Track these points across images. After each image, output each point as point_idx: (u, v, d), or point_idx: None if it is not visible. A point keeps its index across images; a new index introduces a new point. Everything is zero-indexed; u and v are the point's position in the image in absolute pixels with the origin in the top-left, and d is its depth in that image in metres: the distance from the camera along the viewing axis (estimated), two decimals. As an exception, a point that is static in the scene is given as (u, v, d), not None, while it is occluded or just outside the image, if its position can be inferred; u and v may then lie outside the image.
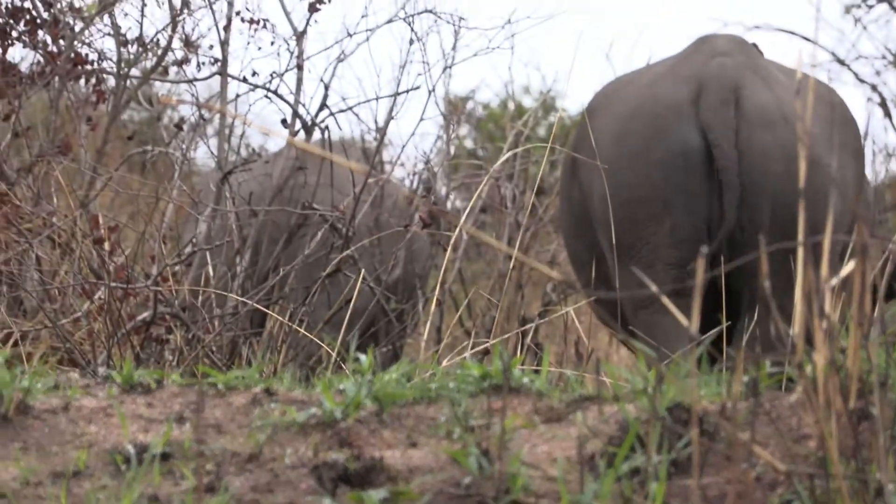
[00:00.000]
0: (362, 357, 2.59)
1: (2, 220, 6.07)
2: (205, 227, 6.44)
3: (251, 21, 7.15)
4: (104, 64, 7.03)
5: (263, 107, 6.93)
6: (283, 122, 6.85)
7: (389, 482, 2.22)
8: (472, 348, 5.95)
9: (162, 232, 6.45)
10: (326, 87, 6.87)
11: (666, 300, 2.43)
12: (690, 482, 2.13)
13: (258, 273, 6.42)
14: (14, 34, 6.87)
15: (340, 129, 7.01)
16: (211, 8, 6.89)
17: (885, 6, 14.94)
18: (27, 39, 6.87)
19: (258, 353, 5.84)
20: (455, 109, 9.07)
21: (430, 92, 7.19)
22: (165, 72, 7.24)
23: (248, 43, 7.10)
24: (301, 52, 6.90)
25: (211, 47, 7.11)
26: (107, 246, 5.98)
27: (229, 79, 6.92)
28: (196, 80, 7.20)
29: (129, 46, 7.05)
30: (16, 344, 5.62)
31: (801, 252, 2.24)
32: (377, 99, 7.17)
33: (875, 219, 6.69)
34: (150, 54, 7.19)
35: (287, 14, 7.00)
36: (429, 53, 7.39)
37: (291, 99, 6.83)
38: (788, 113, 5.81)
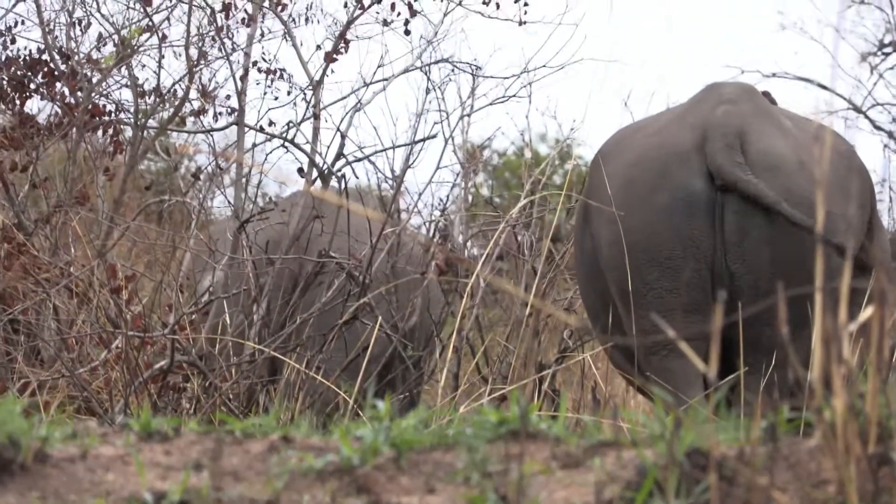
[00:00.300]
0: (380, 403, 2.58)
1: (20, 270, 6.09)
2: (221, 276, 6.45)
3: (268, 71, 7.19)
4: (121, 115, 7.08)
5: (280, 156, 6.95)
6: (300, 170, 6.87)
7: (407, 529, 2.21)
8: (489, 394, 5.94)
9: (179, 281, 6.46)
10: (343, 136, 6.90)
11: (684, 345, 2.43)
12: (709, 528, 2.12)
13: (275, 321, 6.42)
14: (32, 86, 6.92)
15: (357, 177, 7.05)
16: (228, 58, 6.94)
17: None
18: (45, 91, 6.92)
19: (275, 401, 5.83)
20: (472, 158, 9.09)
21: (446, 140, 7.22)
22: (182, 122, 7.28)
23: (265, 93, 7.15)
24: (318, 102, 6.93)
25: (228, 97, 7.16)
26: (124, 295, 6.00)
27: (246, 129, 6.95)
28: (213, 130, 7.24)
29: (147, 97, 7.10)
30: (33, 393, 5.63)
31: (819, 297, 2.24)
32: (394, 147, 7.18)
33: (893, 265, 6.67)
34: (167, 105, 7.23)
35: (303, 64, 7.04)
36: (446, 102, 7.41)
37: (308, 148, 6.86)
38: (794, 160, 5.83)
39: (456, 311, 6.81)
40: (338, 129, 6.92)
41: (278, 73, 7.25)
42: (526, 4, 7.47)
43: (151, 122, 7.14)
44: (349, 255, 6.46)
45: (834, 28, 14.96)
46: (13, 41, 7.11)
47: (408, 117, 7.25)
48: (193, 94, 7.08)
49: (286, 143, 6.91)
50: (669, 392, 5.53)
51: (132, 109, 7.03)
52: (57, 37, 7.18)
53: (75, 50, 7.12)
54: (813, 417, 2.16)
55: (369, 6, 7.11)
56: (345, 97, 7.14)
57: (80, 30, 7.22)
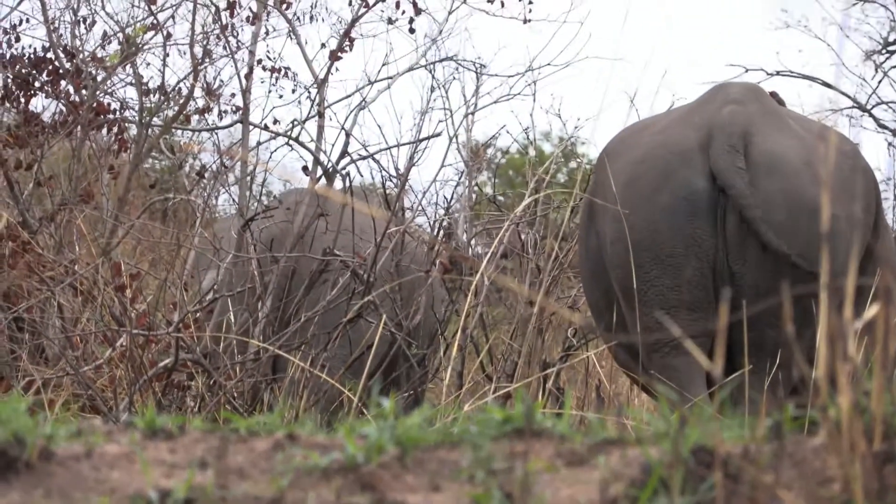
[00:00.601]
0: (384, 401, 2.58)
1: (24, 268, 6.09)
2: (223, 273, 6.45)
3: (273, 69, 7.20)
4: (126, 113, 7.08)
5: (285, 154, 6.95)
6: (305, 169, 6.87)
7: (412, 527, 2.21)
8: (493, 392, 5.94)
9: (183, 279, 6.47)
10: (347, 135, 6.89)
11: (690, 343, 2.43)
12: (714, 526, 2.12)
13: (279, 319, 6.42)
14: (37, 84, 6.92)
15: (361, 175, 7.05)
16: (232, 57, 6.93)
17: (905, 51, 14.94)
18: (50, 89, 6.93)
19: (280, 399, 5.84)
20: (476, 156, 9.09)
21: (451, 138, 7.22)
22: (187, 120, 7.29)
23: (270, 91, 7.16)
24: (322, 100, 6.93)
25: (232, 95, 7.17)
26: (128, 293, 6.00)
27: (251, 127, 6.95)
28: (218, 128, 7.25)
29: (151, 95, 7.10)
30: (38, 391, 5.63)
31: (823, 296, 2.24)
32: (398, 146, 7.19)
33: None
34: (171, 103, 7.24)
35: (308, 62, 7.04)
36: (450, 100, 7.42)
37: (312, 146, 6.85)
38: (798, 161, 5.84)
39: (460, 310, 6.81)
40: (342, 128, 6.92)
41: (283, 72, 7.26)
42: (531, 2, 7.48)
43: (156, 121, 7.14)
44: (354, 253, 6.46)
45: (838, 26, 14.96)
46: (18, 39, 7.12)
47: (412, 115, 7.26)
48: (198, 92, 7.09)
49: (291, 142, 6.91)
50: (673, 389, 5.54)
51: (137, 107, 7.03)
52: (62, 35, 7.19)
53: (80, 48, 7.13)
54: (818, 415, 2.16)
55: (374, 4, 7.12)
56: (349, 95, 7.14)
57: (85, 28, 7.23)
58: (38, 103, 7.05)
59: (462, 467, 2.38)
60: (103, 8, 7.23)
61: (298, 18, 7.22)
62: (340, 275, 6.49)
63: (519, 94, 7.68)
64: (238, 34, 7.10)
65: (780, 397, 5.58)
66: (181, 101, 7.12)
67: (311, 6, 7.34)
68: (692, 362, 5.63)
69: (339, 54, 7.00)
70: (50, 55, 6.97)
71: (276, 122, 7.06)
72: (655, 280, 5.82)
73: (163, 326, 5.91)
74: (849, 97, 14.40)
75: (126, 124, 7.10)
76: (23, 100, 6.90)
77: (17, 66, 6.87)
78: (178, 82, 7.15)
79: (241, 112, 6.99)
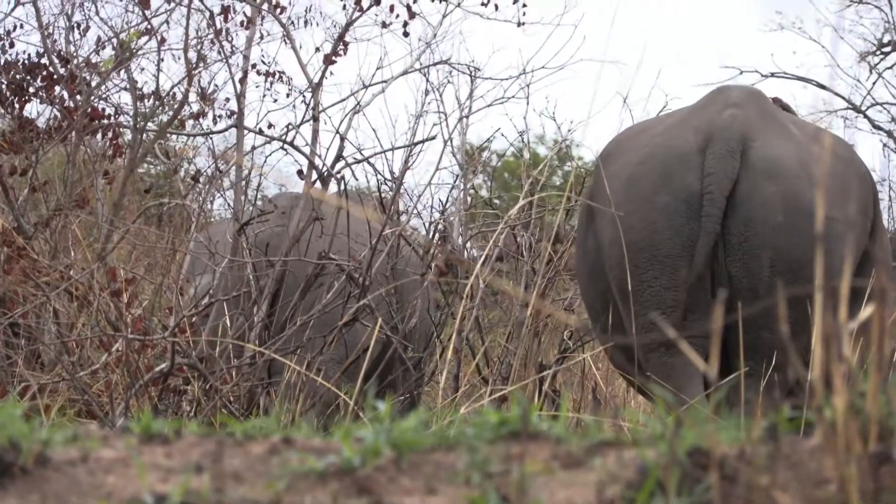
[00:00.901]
0: (380, 405, 2.58)
1: (20, 274, 6.09)
2: (220, 278, 6.45)
3: (267, 74, 7.20)
4: (121, 118, 7.08)
5: (280, 158, 6.95)
6: (300, 173, 6.87)
7: (409, 530, 2.21)
8: (489, 395, 5.93)
9: (179, 283, 6.46)
10: (342, 138, 6.89)
11: (685, 345, 2.43)
12: (711, 527, 2.12)
13: (275, 323, 6.42)
14: (31, 90, 6.92)
15: (356, 179, 7.04)
16: (227, 61, 6.93)
17: (899, 52, 14.96)
18: (44, 95, 6.93)
19: (276, 403, 5.84)
20: (471, 159, 9.09)
21: (445, 142, 7.22)
22: (182, 125, 7.28)
23: (264, 95, 7.16)
24: (317, 104, 6.93)
25: (227, 100, 7.17)
26: (124, 298, 6.00)
27: (245, 131, 6.95)
28: (212, 132, 7.25)
29: (146, 100, 7.10)
30: (34, 396, 5.62)
31: (818, 297, 2.24)
32: (393, 149, 7.19)
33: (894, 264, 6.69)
34: (166, 108, 7.24)
35: (303, 66, 7.04)
36: (444, 104, 7.42)
37: (307, 150, 6.85)
38: (796, 165, 5.86)
39: (456, 313, 6.82)
40: (337, 131, 6.92)
41: (277, 76, 7.26)
42: (524, 6, 7.48)
43: (151, 125, 7.14)
44: (349, 256, 6.46)
45: (833, 27, 14.98)
46: (12, 45, 7.12)
47: (407, 119, 7.27)
48: (192, 96, 7.09)
49: (285, 146, 6.90)
50: (669, 390, 5.55)
51: (131, 113, 7.03)
52: (56, 40, 7.19)
53: (74, 53, 7.12)
54: (814, 417, 2.16)
55: (368, 8, 7.12)
56: (344, 99, 7.14)
57: (79, 33, 7.23)
58: (32, 109, 7.06)
59: (458, 470, 2.38)
60: (97, 13, 7.24)
61: (293, 23, 7.23)
62: (336, 278, 6.49)
63: (513, 97, 7.69)
64: (232, 39, 7.10)
65: (776, 399, 5.59)
66: (176, 106, 7.12)
67: (306, 10, 7.35)
68: (689, 362, 5.65)
69: (334, 58, 7.00)
70: (44, 61, 6.97)
71: (270, 126, 7.06)
72: (653, 281, 5.85)
73: (159, 331, 5.91)
74: (843, 98, 14.42)
75: (121, 129, 7.10)
76: (17, 105, 6.89)
77: (12, 72, 6.87)
78: (173, 87, 7.16)
79: (235, 116, 6.99)
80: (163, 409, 5.71)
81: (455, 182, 8.27)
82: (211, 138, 7.29)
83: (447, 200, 7.98)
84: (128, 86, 7.12)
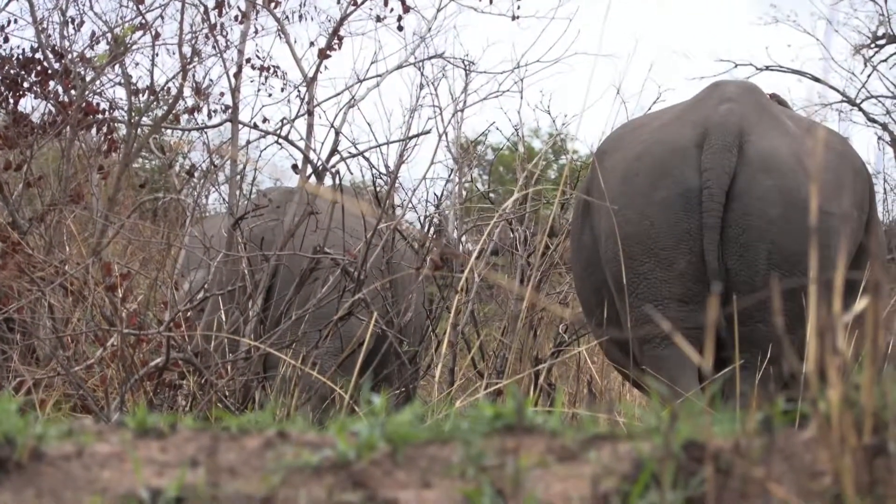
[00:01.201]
0: (375, 399, 2.58)
1: (14, 269, 6.08)
2: (215, 272, 6.45)
3: (261, 68, 7.19)
4: (115, 113, 7.07)
5: (274, 153, 6.95)
6: (294, 167, 6.86)
7: (404, 524, 2.21)
8: (485, 389, 5.94)
9: (174, 278, 6.46)
10: (337, 133, 6.88)
11: (680, 338, 2.43)
12: (706, 520, 2.12)
13: (270, 317, 6.42)
14: (26, 85, 6.91)
15: (351, 173, 7.02)
16: (221, 56, 6.92)
17: (895, 46, 14.96)
18: (39, 90, 6.91)
19: (271, 397, 5.84)
20: (466, 153, 9.08)
21: (440, 136, 7.22)
22: (176, 119, 7.27)
23: (259, 90, 7.15)
24: (311, 98, 6.92)
25: (221, 95, 7.15)
26: (119, 293, 6.00)
27: (240, 126, 6.94)
28: (207, 127, 7.24)
29: (140, 95, 7.09)
30: (29, 391, 5.62)
31: (813, 289, 2.24)
32: (388, 143, 7.19)
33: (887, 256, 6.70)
34: (160, 102, 7.23)
35: (297, 60, 7.03)
36: (439, 97, 7.42)
37: (302, 144, 6.85)
38: (792, 160, 5.88)
39: (451, 306, 6.82)
40: (332, 126, 6.92)
41: (272, 70, 7.25)
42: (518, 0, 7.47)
43: (145, 120, 7.13)
44: (344, 250, 6.46)
45: (827, 21, 14.99)
46: (6, 40, 7.11)
47: (401, 113, 7.26)
48: (187, 91, 7.07)
49: (280, 140, 6.90)
50: (664, 382, 5.57)
51: (126, 107, 7.01)
52: (50, 35, 7.17)
53: (68, 48, 7.11)
54: (808, 409, 2.17)
55: (363, 2, 7.11)
56: (338, 93, 7.13)
57: (74, 28, 7.21)
58: (27, 104, 7.05)
59: (453, 464, 2.38)
60: (91, 8, 7.21)
61: (287, 17, 7.22)
62: (331, 273, 6.49)
63: (508, 90, 7.69)
64: (227, 33, 7.09)
65: (771, 391, 5.60)
66: (170, 101, 7.11)
67: (300, 5, 7.34)
68: (683, 355, 5.66)
69: (328, 52, 6.99)
70: (38, 56, 6.96)
71: (265, 120, 7.05)
72: (649, 273, 5.86)
73: (154, 326, 5.91)
74: (838, 91, 14.44)
75: (115, 124, 7.09)
76: (12, 100, 6.88)
77: (6, 67, 6.86)
78: (167, 82, 7.14)
79: (230, 111, 6.98)
80: (158, 404, 5.71)
81: (450, 176, 8.27)
82: (206, 133, 7.28)
83: (442, 194, 7.98)
84: (122, 81, 7.11)
